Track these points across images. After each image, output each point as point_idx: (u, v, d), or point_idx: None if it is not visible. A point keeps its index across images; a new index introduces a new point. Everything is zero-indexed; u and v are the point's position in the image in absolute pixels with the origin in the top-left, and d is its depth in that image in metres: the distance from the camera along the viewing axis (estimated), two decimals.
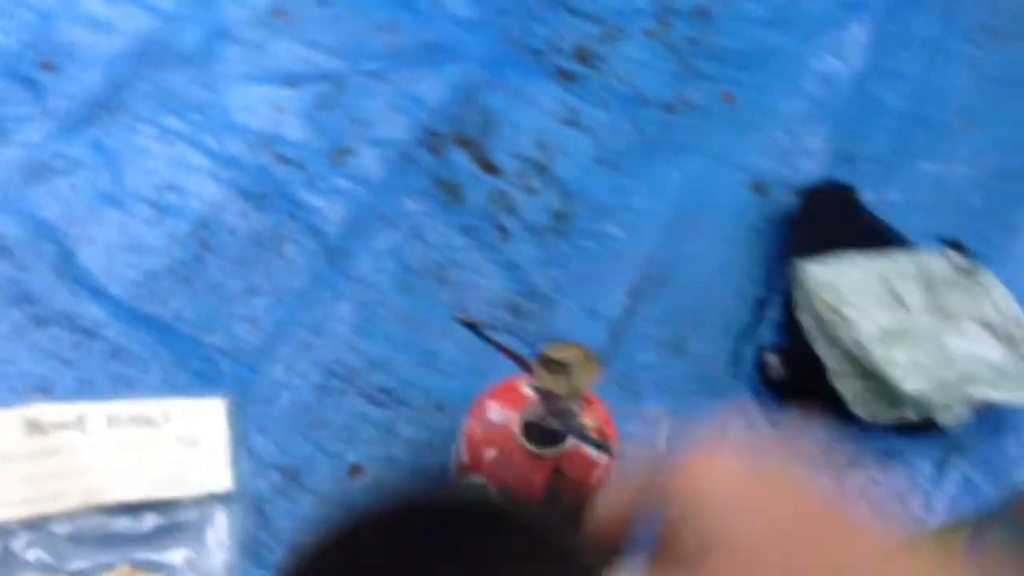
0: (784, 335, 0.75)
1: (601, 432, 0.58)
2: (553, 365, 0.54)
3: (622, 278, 0.76)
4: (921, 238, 0.79)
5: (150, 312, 0.69)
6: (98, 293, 0.69)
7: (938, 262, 0.75)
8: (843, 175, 0.85)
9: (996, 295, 0.74)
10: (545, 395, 0.56)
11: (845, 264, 0.73)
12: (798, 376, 0.71)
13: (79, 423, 0.62)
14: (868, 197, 0.82)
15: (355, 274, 0.73)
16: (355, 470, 0.66)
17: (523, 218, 0.79)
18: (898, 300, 0.72)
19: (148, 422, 0.64)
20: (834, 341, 0.70)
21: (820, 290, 0.71)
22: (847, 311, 0.70)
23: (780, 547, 0.31)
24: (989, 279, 0.74)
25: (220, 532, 0.62)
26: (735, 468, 0.32)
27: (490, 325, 0.54)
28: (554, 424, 0.57)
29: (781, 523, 0.31)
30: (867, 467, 0.71)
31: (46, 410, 0.62)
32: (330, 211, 0.76)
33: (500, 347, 0.54)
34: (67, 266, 0.70)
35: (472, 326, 0.53)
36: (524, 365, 0.55)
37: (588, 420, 0.60)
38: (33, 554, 0.58)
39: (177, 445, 0.64)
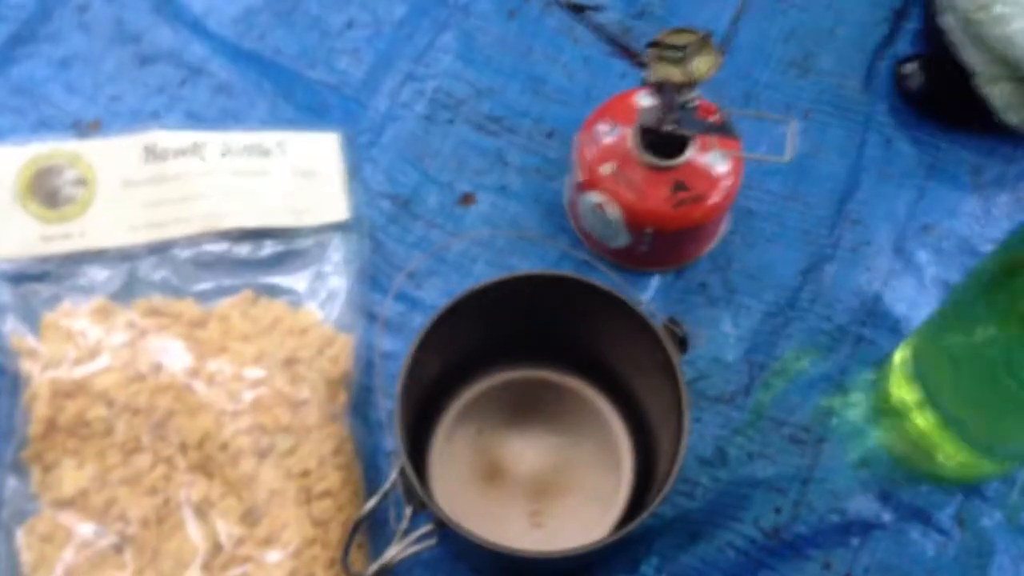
0: (924, 44, 0.68)
1: (725, 124, 0.55)
2: (668, 51, 0.51)
3: None
4: None
5: (252, 48, 0.68)
6: (199, 30, 0.68)
7: None
8: None
9: None
10: (660, 88, 0.53)
11: None
12: (940, 84, 0.65)
13: (195, 150, 0.62)
14: None
15: (455, 1, 0.70)
16: (467, 199, 0.65)
17: None
18: None
19: (263, 152, 0.63)
20: (981, 42, 0.63)
21: None
22: (997, 8, 0.63)
23: None
24: None
25: (337, 258, 0.62)
26: None
27: (594, 8, 0.50)
28: (671, 122, 0.54)
29: None
30: (1016, 187, 0.66)
31: (163, 136, 0.62)
32: None
33: (604, 33, 0.51)
34: (166, 5, 0.68)
35: (576, 8, 0.49)
36: (632, 55, 0.52)
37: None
38: (159, 275, 0.59)
39: (292, 176, 0.63)
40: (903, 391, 0.57)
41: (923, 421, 0.55)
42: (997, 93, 0.63)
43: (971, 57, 0.64)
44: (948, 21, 0.65)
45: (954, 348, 0.52)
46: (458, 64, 0.68)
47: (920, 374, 0.55)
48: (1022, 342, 0.46)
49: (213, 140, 0.63)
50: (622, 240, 0.60)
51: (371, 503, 0.47)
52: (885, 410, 0.58)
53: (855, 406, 0.59)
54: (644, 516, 0.46)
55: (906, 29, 0.70)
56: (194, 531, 0.52)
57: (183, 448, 0.53)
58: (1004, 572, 0.56)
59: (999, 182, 0.66)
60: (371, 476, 0.56)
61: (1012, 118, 0.63)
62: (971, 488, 0.58)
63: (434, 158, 0.66)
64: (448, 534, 0.49)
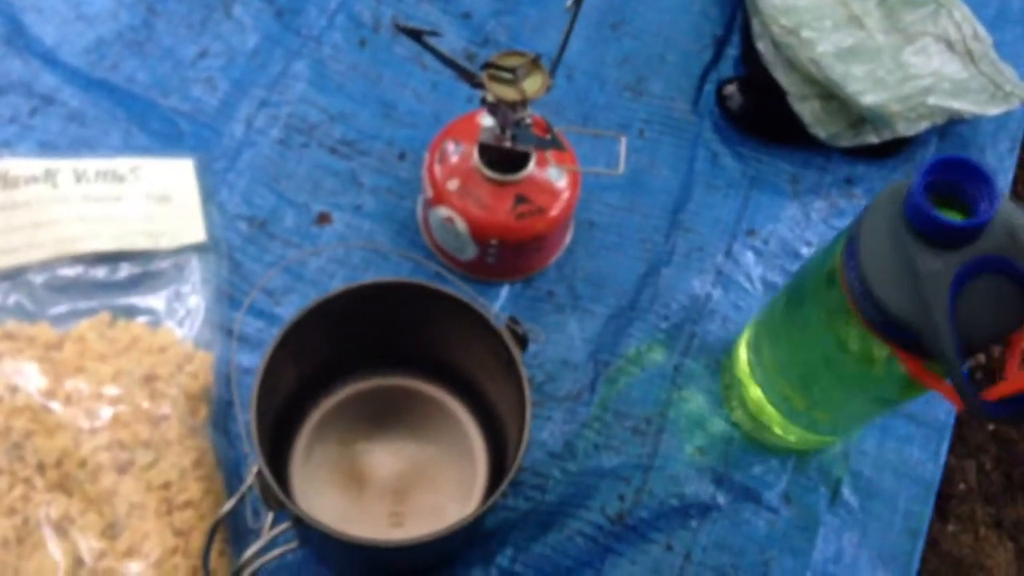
0: (743, 67, 0.75)
1: (556, 139, 0.59)
2: (501, 72, 0.55)
3: (578, 23, 0.76)
4: None
5: (104, 77, 0.69)
6: (51, 61, 0.69)
7: None
8: None
9: (956, 12, 0.73)
10: (495, 108, 0.57)
11: None
12: (757, 104, 0.72)
13: (47, 177, 0.63)
14: None
15: (307, 32, 0.73)
16: (323, 219, 0.67)
17: None
18: (856, 21, 0.71)
19: (117, 178, 0.65)
20: (792, 64, 0.70)
21: (777, 14, 0.70)
22: (804, 32, 0.69)
23: None
24: None
25: (195, 279, 0.63)
26: None
27: (430, 33, 0.53)
28: (508, 138, 0.58)
29: None
30: (830, 194, 0.72)
31: (13, 164, 0.63)
32: None
33: (443, 57, 0.54)
34: (17, 36, 0.69)
35: (413, 32, 0.53)
36: (470, 77, 0.55)
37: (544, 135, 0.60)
38: (12, 300, 0.60)
39: (147, 201, 0.65)
40: (744, 375, 0.61)
41: (759, 399, 0.60)
42: (807, 110, 0.70)
43: (784, 78, 0.70)
44: (763, 46, 0.71)
45: (784, 339, 0.57)
46: (311, 91, 0.71)
47: (758, 361, 0.60)
48: (839, 340, 0.51)
49: (65, 167, 0.64)
50: (470, 252, 0.64)
51: (228, 504, 0.48)
52: (731, 392, 0.63)
53: (689, 400, 0.64)
54: (490, 503, 0.49)
55: (728, 54, 0.76)
56: (55, 549, 0.52)
57: (41, 468, 0.54)
58: (828, 542, 0.61)
59: (815, 190, 0.72)
60: (234, 487, 0.58)
61: (820, 132, 0.70)
62: (798, 467, 0.63)
63: (289, 180, 0.68)
64: (307, 533, 0.51)
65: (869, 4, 0.72)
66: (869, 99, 0.67)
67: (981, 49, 0.72)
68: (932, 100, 0.69)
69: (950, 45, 0.72)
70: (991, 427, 0.75)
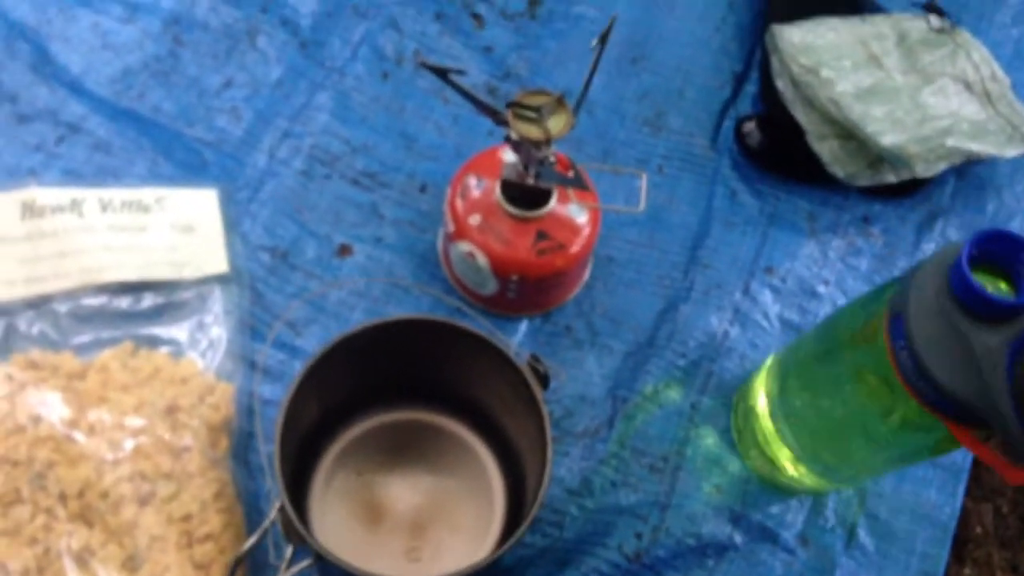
0: (762, 104, 0.75)
1: (579, 178, 0.59)
2: (525, 111, 0.55)
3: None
4: (898, 4, 0.79)
5: (130, 106, 0.70)
6: (77, 90, 0.69)
7: (915, 24, 0.74)
8: None
9: (974, 53, 0.73)
10: (519, 145, 0.57)
11: (822, 27, 0.73)
12: (776, 142, 0.72)
13: (74, 206, 0.64)
14: None
15: (330, 64, 0.73)
16: (344, 251, 0.68)
17: (497, 4, 0.78)
18: (875, 61, 0.72)
19: (142, 208, 0.65)
20: (811, 103, 0.70)
21: (796, 53, 0.71)
22: (824, 72, 0.70)
23: None
24: (967, 38, 0.74)
25: (218, 309, 0.64)
26: None
27: (455, 71, 0.54)
28: (531, 175, 0.58)
29: None
30: (847, 233, 0.72)
31: (40, 194, 0.64)
32: (301, 3, 0.75)
33: (467, 94, 0.55)
34: (44, 65, 0.70)
35: (439, 71, 0.53)
36: (494, 114, 0.56)
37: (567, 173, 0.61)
38: (37, 329, 0.60)
39: (172, 231, 0.65)
40: (764, 421, 0.61)
41: (777, 445, 0.61)
42: (826, 149, 0.70)
43: (803, 116, 0.71)
44: (782, 84, 0.72)
45: (812, 395, 0.57)
46: (334, 122, 0.71)
47: (781, 411, 0.60)
48: (880, 407, 0.51)
49: (91, 196, 0.64)
50: (491, 287, 0.64)
51: (250, 541, 0.49)
52: (745, 434, 0.63)
53: (706, 438, 0.64)
54: (512, 542, 0.49)
55: (746, 91, 0.76)
56: None
57: (63, 498, 0.54)
58: None
59: (832, 228, 0.72)
60: (253, 519, 0.58)
61: (839, 171, 0.70)
62: (814, 508, 0.63)
63: (311, 212, 0.69)
64: (328, 570, 0.51)
65: (888, 44, 0.73)
66: (888, 140, 0.68)
67: (999, 90, 0.73)
68: (951, 142, 0.69)
69: (968, 86, 0.73)
70: None
